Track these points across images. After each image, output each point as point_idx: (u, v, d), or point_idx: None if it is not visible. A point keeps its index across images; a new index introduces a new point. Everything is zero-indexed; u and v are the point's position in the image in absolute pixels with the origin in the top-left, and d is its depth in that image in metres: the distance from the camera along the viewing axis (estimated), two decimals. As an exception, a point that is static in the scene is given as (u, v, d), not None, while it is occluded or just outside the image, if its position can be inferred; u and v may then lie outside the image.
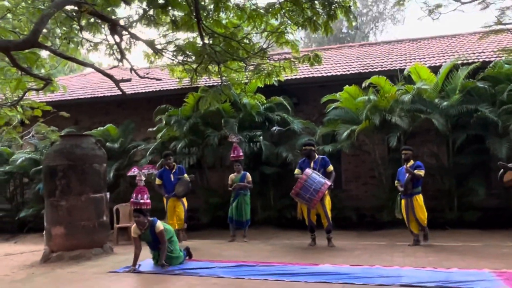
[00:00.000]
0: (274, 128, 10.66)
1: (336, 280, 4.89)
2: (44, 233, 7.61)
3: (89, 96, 13.52)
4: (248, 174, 8.73)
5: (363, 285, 4.70)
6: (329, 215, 7.46)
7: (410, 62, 11.12)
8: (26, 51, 5.90)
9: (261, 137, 10.72)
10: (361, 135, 10.28)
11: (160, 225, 5.86)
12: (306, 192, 7.07)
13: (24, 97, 7.13)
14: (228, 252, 7.23)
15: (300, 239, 9.61)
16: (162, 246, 5.75)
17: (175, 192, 8.10)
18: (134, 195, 5.98)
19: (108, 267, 6.29)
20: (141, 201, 5.93)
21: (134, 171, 6.24)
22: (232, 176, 8.78)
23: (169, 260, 5.87)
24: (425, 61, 11.21)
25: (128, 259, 6.37)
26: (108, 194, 9.74)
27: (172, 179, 8.20)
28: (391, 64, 11.50)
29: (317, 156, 7.68)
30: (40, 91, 7.43)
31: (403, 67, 10.49)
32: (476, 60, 10.04)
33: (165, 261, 5.81)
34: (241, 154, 8.85)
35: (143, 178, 6.19)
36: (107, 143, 11.62)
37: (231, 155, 8.81)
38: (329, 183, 7.21)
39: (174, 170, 8.26)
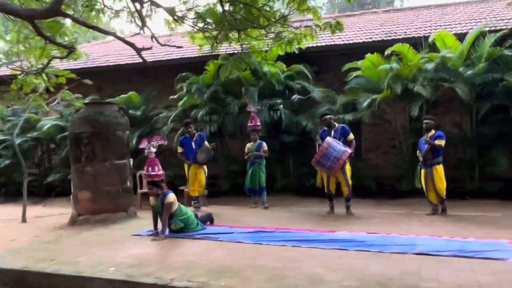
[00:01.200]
0: (294, 96, 10.61)
1: (351, 247, 4.97)
2: (71, 197, 7.89)
3: (111, 63, 13.62)
4: (264, 144, 8.78)
5: (378, 252, 4.77)
6: (350, 182, 7.49)
7: (435, 29, 10.78)
8: (49, 20, 5.96)
9: (281, 106, 10.70)
10: (382, 104, 10.16)
11: (170, 197, 5.96)
12: (327, 160, 7.09)
13: (49, 65, 7.23)
14: (248, 218, 7.38)
15: (318, 206, 9.71)
16: (164, 216, 5.86)
17: (197, 159, 8.22)
18: (146, 168, 6.06)
19: (132, 230, 6.51)
20: (153, 173, 6.02)
21: (144, 144, 6.31)
22: (248, 145, 8.85)
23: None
24: (451, 28, 10.85)
25: (151, 222, 6.57)
26: (131, 161, 9.98)
27: (194, 147, 8.31)
28: (415, 31, 11.18)
29: (337, 125, 7.65)
30: (63, 59, 7.53)
31: (427, 34, 10.19)
32: (504, 27, 9.66)
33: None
34: (258, 124, 8.87)
35: (153, 150, 6.24)
36: (130, 111, 11.73)
37: (248, 124, 8.85)
38: (350, 150, 7.21)
39: (195, 138, 8.36)
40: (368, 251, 4.83)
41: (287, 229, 6.17)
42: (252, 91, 10.57)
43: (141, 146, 6.36)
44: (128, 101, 12.17)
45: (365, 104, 9.57)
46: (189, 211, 6.28)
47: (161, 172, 6.10)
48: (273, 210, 8.48)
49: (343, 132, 7.56)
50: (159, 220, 6.11)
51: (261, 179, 8.68)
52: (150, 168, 6.01)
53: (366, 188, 11.11)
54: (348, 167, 7.56)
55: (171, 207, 5.93)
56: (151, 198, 6.10)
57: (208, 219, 6.71)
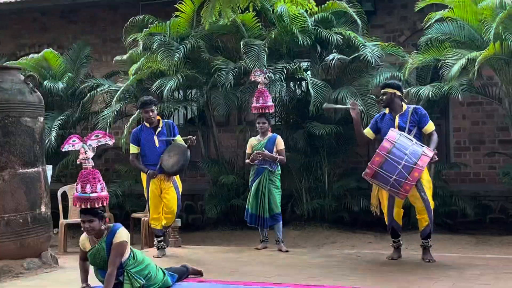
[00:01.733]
0: (331, 56, 10.57)
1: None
2: None
3: (12, 0, 13.63)
4: (279, 138, 8.70)
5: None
6: (431, 206, 7.40)
7: None
8: None
9: (309, 73, 10.67)
10: (486, 68, 10.11)
11: (123, 234, 5.91)
12: (392, 171, 6.97)
13: None
14: (252, 268, 7.28)
15: (373, 247, 9.67)
16: (111, 266, 5.81)
17: (163, 165, 8.18)
18: (79, 186, 6.01)
19: (49, 289, 6.46)
20: (92, 194, 5.96)
21: (72, 144, 6.23)
22: (252, 141, 8.78)
23: None
24: None
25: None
26: (49, 169, 9.95)
27: (157, 144, 8.27)
28: None
29: (405, 106, 7.57)
30: None
31: None
32: None
33: None
34: (270, 103, 8.82)
35: (90, 155, 6.17)
36: (45, 82, 11.77)
37: (253, 104, 8.80)
38: (430, 152, 7.12)
39: (159, 129, 8.32)
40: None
41: (320, 287, 6.13)
42: (257, 47, 10.54)
43: (68, 147, 6.30)
44: (41, 64, 12.19)
45: (455, 68, 9.51)
46: (146, 257, 6.24)
47: (104, 193, 6.06)
48: (295, 254, 8.41)
49: (417, 119, 7.47)
50: (93, 274, 6.07)
51: (274, 200, 8.61)
52: (84, 187, 5.97)
53: (457, 214, 11.08)
54: (428, 180, 7.47)
55: (124, 249, 5.89)
56: (84, 238, 6.06)
57: (183, 274, 6.67)
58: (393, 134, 7.15)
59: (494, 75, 10.47)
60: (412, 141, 7.17)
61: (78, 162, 6.10)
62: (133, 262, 5.98)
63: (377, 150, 7.11)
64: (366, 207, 10.31)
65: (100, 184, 6.01)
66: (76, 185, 5.98)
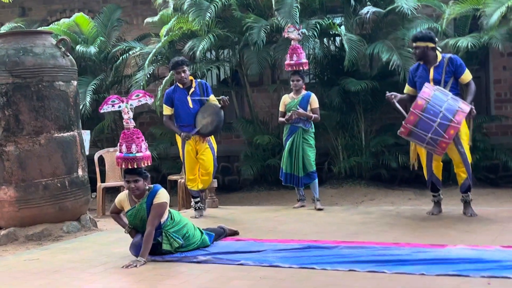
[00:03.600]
0: (365, 9, 10.46)
1: (477, 272, 4.84)
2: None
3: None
4: (313, 96, 8.64)
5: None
6: (469, 160, 7.32)
7: None
8: None
9: (343, 27, 10.54)
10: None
11: (163, 195, 5.95)
12: (427, 129, 6.88)
13: None
14: (288, 227, 7.31)
15: (412, 203, 9.64)
16: (150, 226, 5.86)
17: (197, 126, 8.18)
18: (124, 146, 6.04)
19: (89, 252, 6.54)
20: (138, 154, 5.99)
21: (112, 105, 6.24)
22: (285, 98, 8.73)
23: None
24: None
25: (123, 237, 6.59)
26: (86, 133, 10.07)
27: (191, 105, 8.25)
28: None
29: (440, 56, 7.42)
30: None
31: None
32: None
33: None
34: (304, 60, 8.74)
35: (131, 115, 6.19)
36: (78, 46, 11.84)
37: (287, 62, 8.73)
38: (467, 107, 7.00)
39: (192, 89, 8.29)
40: (507, 277, 4.68)
41: (359, 243, 6.11)
42: (289, 3, 10.44)
43: (107, 108, 6.33)
44: (73, 29, 12.24)
45: (494, 17, 9.38)
46: (183, 217, 6.29)
47: (149, 152, 6.12)
48: (331, 211, 8.43)
49: (452, 69, 7.33)
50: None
51: (308, 158, 8.59)
52: (130, 147, 6.01)
53: (498, 168, 10.98)
54: (466, 133, 7.37)
55: (164, 210, 5.97)
56: (123, 197, 6.11)
57: (221, 234, 6.72)
58: (427, 90, 7.03)
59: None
60: (448, 95, 7.04)
61: (124, 123, 6.13)
62: (171, 222, 6.05)
63: (411, 109, 7.01)
64: (405, 163, 10.29)
65: (145, 144, 6.09)
66: (120, 145, 6.04)
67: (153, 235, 5.88)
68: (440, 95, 7.01)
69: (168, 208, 6.10)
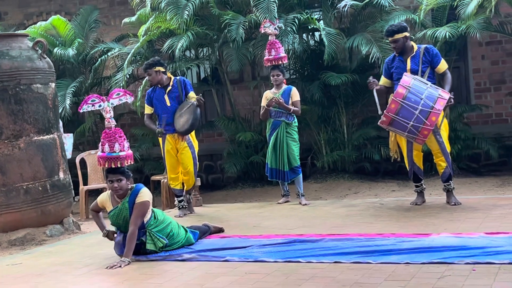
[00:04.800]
0: (343, 3, 10.48)
1: (461, 259, 4.88)
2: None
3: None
4: (294, 90, 8.63)
5: (509, 264, 4.66)
6: (448, 149, 7.38)
7: None
8: None
9: (321, 22, 10.55)
10: (504, 5, 10.03)
11: (145, 194, 5.94)
12: (409, 117, 6.94)
13: None
14: (273, 222, 7.32)
15: (396, 194, 9.67)
16: (133, 226, 5.84)
17: (176, 125, 8.16)
18: (106, 146, 6.01)
19: (73, 254, 6.50)
20: (121, 153, 5.97)
21: (92, 104, 6.20)
22: (267, 93, 8.73)
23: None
24: None
25: (106, 239, 6.54)
26: (69, 136, 10.02)
27: (168, 104, 8.24)
28: None
29: (415, 46, 7.46)
30: None
31: None
32: None
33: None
34: (283, 54, 8.73)
35: (112, 114, 6.17)
36: (55, 49, 11.79)
37: (266, 57, 8.73)
38: (447, 95, 7.05)
39: (170, 88, 8.26)
40: (492, 263, 4.73)
41: (344, 235, 6.13)
42: (267, -1, 10.44)
43: (87, 108, 6.29)
44: (50, 32, 12.17)
45: (471, 6, 9.43)
46: (166, 216, 6.27)
47: (130, 152, 6.09)
48: (316, 205, 8.44)
49: (428, 59, 7.37)
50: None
51: (292, 153, 8.58)
52: (113, 146, 5.98)
53: (480, 157, 11.05)
54: (444, 124, 7.42)
55: (146, 209, 5.95)
56: (105, 198, 6.08)
57: (206, 232, 6.71)
58: (407, 79, 7.09)
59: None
60: (427, 84, 7.11)
61: (106, 122, 6.10)
62: (155, 222, 6.03)
63: (392, 97, 7.07)
64: (387, 155, 10.26)
65: (127, 143, 6.05)
66: (102, 145, 6.00)
67: (137, 234, 5.86)
68: (419, 83, 7.08)
69: (151, 207, 6.08)
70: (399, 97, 6.97)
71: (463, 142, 10.58)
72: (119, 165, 5.92)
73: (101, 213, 6.24)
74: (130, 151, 6.08)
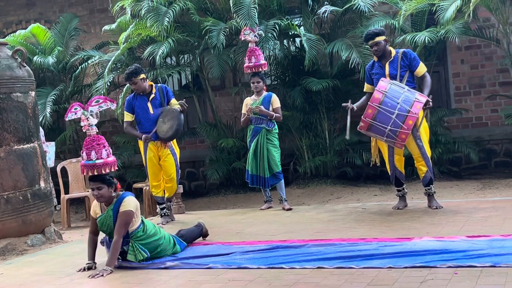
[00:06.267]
0: (323, 8, 10.50)
1: (443, 263, 4.90)
2: None
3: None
4: (274, 97, 8.64)
5: (491, 267, 4.69)
6: (428, 153, 7.42)
7: None
8: None
9: (302, 28, 10.57)
10: (482, 10, 10.12)
11: (130, 202, 5.89)
12: (386, 121, 6.99)
13: None
14: (256, 228, 7.32)
15: (378, 199, 9.70)
16: (117, 234, 5.81)
17: (157, 132, 8.12)
18: (84, 154, 5.99)
19: (54, 264, 6.46)
20: (98, 161, 5.93)
21: (75, 112, 6.19)
22: (247, 100, 8.74)
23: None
24: None
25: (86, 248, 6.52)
26: (51, 145, 9.95)
27: (151, 111, 8.20)
28: None
29: (393, 51, 7.50)
30: None
31: None
32: None
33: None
34: (263, 61, 8.74)
35: (94, 121, 6.14)
36: (35, 57, 11.72)
37: (246, 64, 8.73)
38: (423, 98, 7.08)
39: (152, 95, 8.23)
40: (474, 266, 4.76)
41: (326, 241, 6.12)
42: (247, 5, 10.43)
43: (71, 116, 6.27)
44: (30, 40, 12.09)
45: (450, 11, 9.47)
46: (159, 229, 6.23)
47: (111, 159, 6.05)
48: (299, 211, 8.44)
49: (407, 63, 7.41)
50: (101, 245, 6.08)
51: (273, 159, 8.59)
52: (89, 154, 5.95)
53: (461, 161, 11.12)
54: (424, 127, 7.46)
55: (130, 219, 5.90)
56: (95, 204, 6.05)
57: (196, 237, 6.70)
58: (383, 84, 7.15)
59: (491, 16, 10.43)
60: (404, 88, 7.16)
61: (84, 129, 6.10)
62: (142, 234, 5.98)
63: (368, 102, 7.12)
64: (369, 160, 10.27)
65: (106, 150, 6.01)
66: (82, 152, 5.99)
67: (120, 244, 5.83)
68: (396, 87, 7.13)
69: (140, 218, 6.04)
70: (376, 102, 7.02)
71: (443, 146, 10.63)
72: (95, 173, 5.89)
73: (97, 238, 6.15)
74: (110, 158, 6.02)
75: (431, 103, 7.23)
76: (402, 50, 7.56)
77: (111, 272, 5.66)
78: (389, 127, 6.99)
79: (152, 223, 6.33)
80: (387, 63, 7.44)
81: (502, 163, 11.23)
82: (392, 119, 6.96)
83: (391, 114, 6.96)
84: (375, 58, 7.57)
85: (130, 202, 5.92)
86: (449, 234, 5.95)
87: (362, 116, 7.10)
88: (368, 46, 7.97)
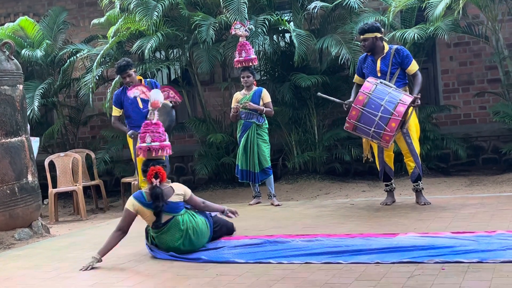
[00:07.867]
0: (312, 4, 10.49)
1: (429, 258, 4.94)
2: None
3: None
4: (265, 91, 8.67)
5: (477, 263, 4.73)
6: (417, 150, 7.44)
7: None
8: None
9: (292, 23, 10.55)
10: (471, 7, 10.11)
11: (128, 201, 5.93)
12: (370, 123, 6.98)
13: None
14: (245, 222, 7.30)
15: (366, 195, 9.73)
16: (115, 229, 5.85)
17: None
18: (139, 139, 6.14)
19: (42, 258, 6.45)
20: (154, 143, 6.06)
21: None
22: (237, 95, 8.75)
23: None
24: None
25: (76, 242, 6.53)
26: (36, 141, 9.90)
27: (141, 106, 8.19)
28: None
29: (387, 47, 7.51)
30: None
31: None
32: None
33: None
34: (253, 56, 8.74)
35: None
36: (23, 51, 11.66)
37: (236, 58, 8.73)
38: (409, 98, 7.07)
39: (141, 90, 8.22)
40: (460, 262, 4.79)
41: (314, 236, 6.14)
42: (237, 0, 10.38)
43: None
44: (18, 33, 12.01)
45: (439, 8, 9.48)
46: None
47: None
48: (288, 207, 8.47)
49: (399, 60, 7.42)
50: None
51: (263, 154, 8.60)
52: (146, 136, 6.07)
53: (449, 157, 11.16)
54: (414, 124, 7.48)
55: (125, 215, 5.97)
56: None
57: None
58: (369, 85, 7.14)
59: (480, 13, 10.46)
60: (390, 88, 7.13)
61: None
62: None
63: (352, 104, 7.12)
64: (358, 156, 10.41)
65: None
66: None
67: (116, 238, 5.83)
68: (382, 87, 7.11)
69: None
70: (359, 104, 7.04)
71: (432, 143, 10.65)
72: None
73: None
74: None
75: (419, 101, 7.25)
76: (395, 46, 7.55)
77: (100, 261, 5.70)
78: (373, 129, 7.00)
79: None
80: (379, 58, 7.45)
81: (490, 160, 11.27)
82: (375, 121, 6.97)
83: (374, 116, 6.97)
84: (369, 53, 7.57)
85: (128, 201, 5.94)
86: (436, 230, 5.99)
87: (346, 117, 7.13)
88: (359, 42, 7.97)
